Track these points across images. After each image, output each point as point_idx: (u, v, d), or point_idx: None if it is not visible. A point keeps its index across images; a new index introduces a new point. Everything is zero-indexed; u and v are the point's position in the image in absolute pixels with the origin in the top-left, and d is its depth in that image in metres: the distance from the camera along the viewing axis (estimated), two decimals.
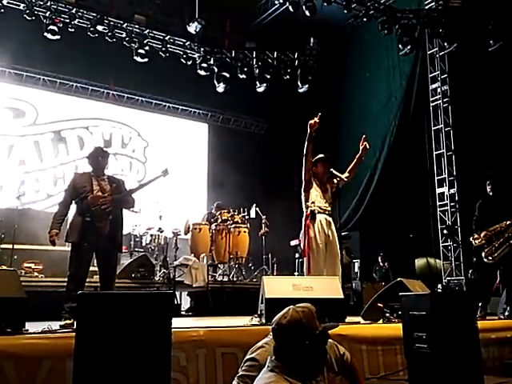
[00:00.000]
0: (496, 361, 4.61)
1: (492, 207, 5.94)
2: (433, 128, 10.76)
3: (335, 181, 5.57)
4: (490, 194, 6.04)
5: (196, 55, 10.93)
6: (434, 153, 10.68)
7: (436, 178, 10.51)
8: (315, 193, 5.50)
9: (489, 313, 6.48)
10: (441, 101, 10.70)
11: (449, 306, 3.35)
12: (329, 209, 5.52)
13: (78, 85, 11.55)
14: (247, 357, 2.78)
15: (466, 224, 9.01)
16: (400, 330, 3.58)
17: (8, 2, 9.15)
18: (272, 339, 2.83)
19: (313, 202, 5.45)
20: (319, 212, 5.43)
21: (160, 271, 7.72)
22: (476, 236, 5.87)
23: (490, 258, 5.73)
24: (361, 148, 5.69)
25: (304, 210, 5.54)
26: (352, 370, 2.78)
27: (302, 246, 5.50)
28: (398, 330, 3.72)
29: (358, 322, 4.73)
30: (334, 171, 5.50)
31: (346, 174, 5.65)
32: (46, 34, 9.21)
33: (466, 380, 3.20)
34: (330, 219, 5.50)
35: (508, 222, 5.72)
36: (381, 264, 10.23)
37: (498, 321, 5.47)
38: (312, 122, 5.39)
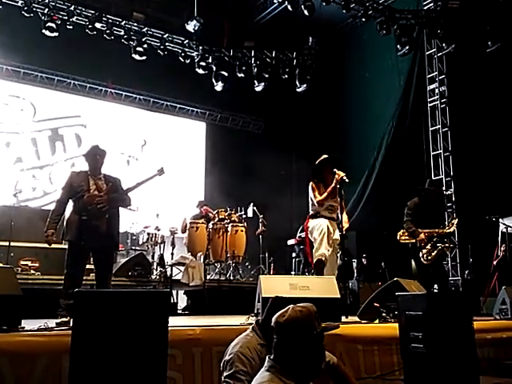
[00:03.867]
0: (492, 361, 4.62)
1: (424, 211, 6.27)
2: (430, 129, 10.79)
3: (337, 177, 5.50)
4: (432, 200, 6.38)
5: (194, 53, 10.92)
6: (432, 153, 10.71)
7: (433, 179, 10.52)
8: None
9: (484, 313, 6.50)
10: (438, 101, 10.73)
11: (445, 306, 3.35)
12: (334, 215, 5.51)
13: (76, 82, 11.53)
14: (229, 356, 2.79)
15: (463, 225, 9.08)
16: (396, 330, 3.58)
17: None
18: (251, 332, 2.91)
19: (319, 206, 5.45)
20: (324, 216, 5.43)
21: (157, 270, 7.71)
22: (401, 233, 6.30)
23: (430, 258, 6.07)
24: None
25: (310, 210, 5.55)
26: (339, 372, 2.76)
27: (306, 247, 5.52)
28: (394, 329, 3.73)
29: (355, 322, 4.73)
30: (338, 171, 5.44)
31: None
32: (44, 30, 9.19)
33: (461, 380, 3.20)
34: (335, 224, 5.50)
35: (441, 231, 6.17)
36: (364, 264, 10.19)
37: (494, 321, 5.48)
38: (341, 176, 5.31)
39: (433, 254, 6.03)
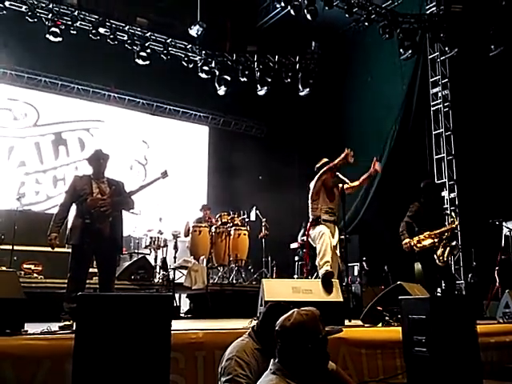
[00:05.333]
0: (495, 365, 4.60)
1: (427, 213, 6.19)
2: (433, 132, 10.77)
3: (341, 185, 5.52)
4: (432, 200, 6.33)
5: (197, 58, 10.94)
6: (435, 157, 10.69)
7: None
8: (323, 200, 5.47)
9: (488, 317, 6.48)
10: (441, 105, 10.72)
11: (448, 310, 3.35)
12: (334, 218, 5.50)
13: (80, 87, 11.55)
14: (227, 362, 2.78)
15: (467, 229, 9.05)
16: (399, 334, 3.58)
17: (10, 4, 9.15)
18: (247, 337, 2.92)
19: (319, 209, 5.44)
20: (324, 220, 5.41)
21: (159, 273, 7.72)
22: (415, 241, 6.07)
23: (443, 259, 5.98)
24: (372, 169, 5.68)
25: (310, 216, 5.53)
26: (340, 379, 2.75)
27: (307, 250, 5.50)
28: (397, 333, 3.73)
29: (358, 326, 4.72)
30: (341, 176, 5.45)
31: (354, 184, 5.65)
32: (48, 35, 9.23)
33: None
34: (335, 227, 5.48)
35: (449, 228, 6.10)
36: (365, 267, 10.12)
37: (498, 325, 5.46)
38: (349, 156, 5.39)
39: (445, 254, 5.97)
